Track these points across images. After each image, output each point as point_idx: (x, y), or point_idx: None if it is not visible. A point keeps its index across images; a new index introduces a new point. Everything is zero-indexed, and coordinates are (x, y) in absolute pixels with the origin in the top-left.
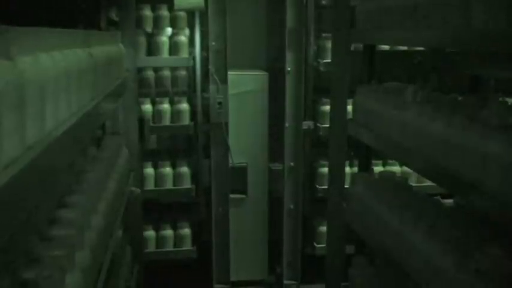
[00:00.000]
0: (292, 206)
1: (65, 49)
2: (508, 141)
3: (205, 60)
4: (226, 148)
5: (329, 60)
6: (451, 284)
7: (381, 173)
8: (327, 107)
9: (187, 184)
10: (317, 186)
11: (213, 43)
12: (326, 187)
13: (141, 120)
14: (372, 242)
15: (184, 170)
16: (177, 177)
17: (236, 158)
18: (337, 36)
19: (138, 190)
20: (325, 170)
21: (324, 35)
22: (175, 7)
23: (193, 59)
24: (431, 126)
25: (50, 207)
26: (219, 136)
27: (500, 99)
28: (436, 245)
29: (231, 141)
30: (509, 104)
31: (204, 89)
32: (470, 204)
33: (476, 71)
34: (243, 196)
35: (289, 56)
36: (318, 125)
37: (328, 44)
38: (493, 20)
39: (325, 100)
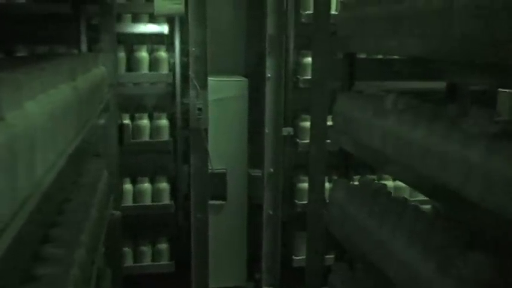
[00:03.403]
0: (271, 212)
1: (50, 88)
2: (489, 150)
3: (185, 66)
4: (206, 154)
5: (309, 77)
6: None
7: (360, 179)
8: (307, 123)
9: (166, 200)
10: (296, 201)
11: (193, 49)
12: (305, 202)
13: (121, 126)
14: (352, 248)
15: (163, 185)
16: (155, 193)
17: (215, 164)
18: (318, 44)
19: (118, 213)
20: (304, 185)
21: (303, 51)
22: (156, 13)
23: (173, 65)
24: (412, 133)
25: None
26: (198, 142)
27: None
28: (417, 250)
29: (211, 146)
30: (490, 112)
31: (184, 94)
32: (449, 210)
33: (454, 79)
34: (222, 202)
35: (269, 63)
36: (298, 140)
37: (308, 60)
38: (474, 30)
39: (304, 116)
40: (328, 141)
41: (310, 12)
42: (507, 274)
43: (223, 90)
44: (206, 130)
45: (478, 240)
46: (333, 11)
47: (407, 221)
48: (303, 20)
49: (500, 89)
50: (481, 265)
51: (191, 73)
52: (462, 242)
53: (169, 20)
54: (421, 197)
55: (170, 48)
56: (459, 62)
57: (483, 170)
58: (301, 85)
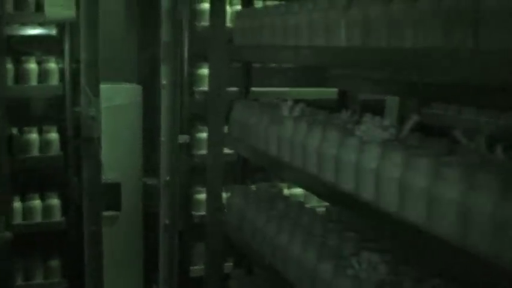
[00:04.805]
0: (168, 221)
1: None
2: (380, 155)
3: (75, 73)
4: (99, 163)
5: (204, 88)
6: None
7: (257, 184)
8: (203, 134)
9: (57, 217)
10: (193, 212)
11: (85, 55)
12: (202, 213)
13: (10, 137)
14: (251, 253)
15: (54, 201)
16: (46, 210)
17: (109, 174)
18: (215, 52)
19: (9, 234)
20: (201, 196)
21: (198, 63)
22: (46, 18)
23: (63, 71)
24: (308, 140)
25: None
26: (91, 151)
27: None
28: (313, 252)
29: (103, 156)
30: (380, 119)
31: (74, 102)
32: (343, 212)
33: (344, 86)
34: (117, 213)
35: (164, 70)
36: (194, 152)
37: (202, 71)
38: (362, 42)
39: (200, 127)
40: (225, 150)
41: (205, 23)
42: (400, 273)
43: (116, 97)
44: (99, 139)
45: (372, 240)
46: (228, 24)
47: (304, 224)
48: (197, 31)
49: (387, 97)
50: (375, 264)
51: (83, 80)
52: (357, 243)
53: (59, 25)
54: (315, 203)
55: (60, 56)
56: (349, 71)
57: (375, 174)
58: (197, 96)
